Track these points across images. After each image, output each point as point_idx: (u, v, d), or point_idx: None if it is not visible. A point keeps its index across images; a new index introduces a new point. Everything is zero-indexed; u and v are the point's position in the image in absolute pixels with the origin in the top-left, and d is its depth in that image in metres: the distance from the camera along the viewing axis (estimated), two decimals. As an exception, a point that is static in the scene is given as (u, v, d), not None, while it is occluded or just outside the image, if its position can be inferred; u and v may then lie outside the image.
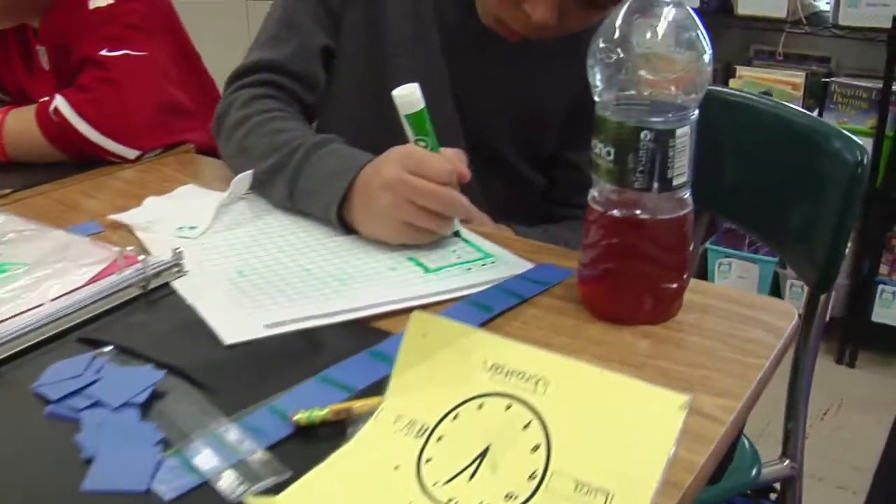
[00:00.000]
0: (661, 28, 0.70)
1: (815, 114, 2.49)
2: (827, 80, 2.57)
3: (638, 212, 0.71)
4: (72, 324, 0.76)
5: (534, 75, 1.14)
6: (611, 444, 0.51)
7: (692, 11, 0.71)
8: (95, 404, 0.63)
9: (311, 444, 0.59)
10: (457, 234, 0.92)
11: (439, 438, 0.55)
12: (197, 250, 0.90)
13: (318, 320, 0.75)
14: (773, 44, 2.72)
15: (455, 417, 0.56)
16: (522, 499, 0.51)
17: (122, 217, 0.99)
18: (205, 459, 0.57)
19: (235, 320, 0.75)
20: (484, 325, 0.74)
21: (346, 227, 0.93)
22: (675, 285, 0.75)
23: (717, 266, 2.76)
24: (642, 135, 0.69)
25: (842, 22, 2.44)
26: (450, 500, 0.52)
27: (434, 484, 0.53)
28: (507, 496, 0.51)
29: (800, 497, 1.27)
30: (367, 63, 1.14)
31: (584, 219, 0.76)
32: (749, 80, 2.64)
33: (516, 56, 1.09)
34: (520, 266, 0.85)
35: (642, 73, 0.70)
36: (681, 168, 0.70)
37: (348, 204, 0.92)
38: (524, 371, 0.55)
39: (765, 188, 1.21)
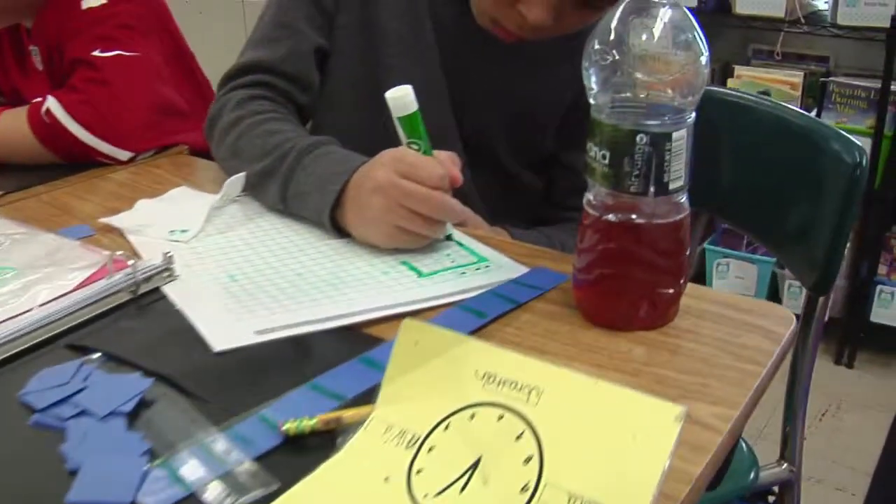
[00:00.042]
0: (658, 29, 0.69)
1: (813, 113, 2.49)
2: (825, 79, 2.56)
3: (634, 216, 0.70)
4: (60, 330, 0.75)
5: (530, 76, 1.13)
6: (605, 455, 0.50)
7: (689, 12, 0.70)
8: (82, 413, 0.62)
9: (300, 454, 0.58)
10: (449, 237, 0.91)
11: (430, 449, 0.54)
12: (188, 254, 0.89)
13: (309, 326, 0.73)
14: (771, 43, 2.71)
15: (446, 427, 0.55)
16: (515, 511, 0.50)
17: (114, 220, 0.98)
18: (191, 470, 0.56)
19: (225, 326, 0.74)
20: (478, 330, 0.73)
21: (339, 230, 0.92)
22: (671, 291, 0.74)
23: (715, 266, 2.75)
24: (638, 138, 0.68)
25: (840, 21, 2.43)
26: (441, 513, 0.51)
27: (425, 496, 0.52)
28: (499, 509, 0.50)
29: (798, 500, 1.26)
30: (361, 64, 1.12)
31: (579, 222, 0.75)
32: (747, 79, 2.63)
33: (512, 56, 1.08)
34: (514, 270, 0.84)
35: (638, 75, 0.69)
36: (677, 172, 0.69)
37: (341, 207, 0.91)
38: (517, 380, 0.54)
39: (763, 190, 1.20)
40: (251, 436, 0.59)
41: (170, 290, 0.82)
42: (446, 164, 0.88)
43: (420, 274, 0.83)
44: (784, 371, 1.13)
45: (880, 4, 2.35)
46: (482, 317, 0.74)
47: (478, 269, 0.85)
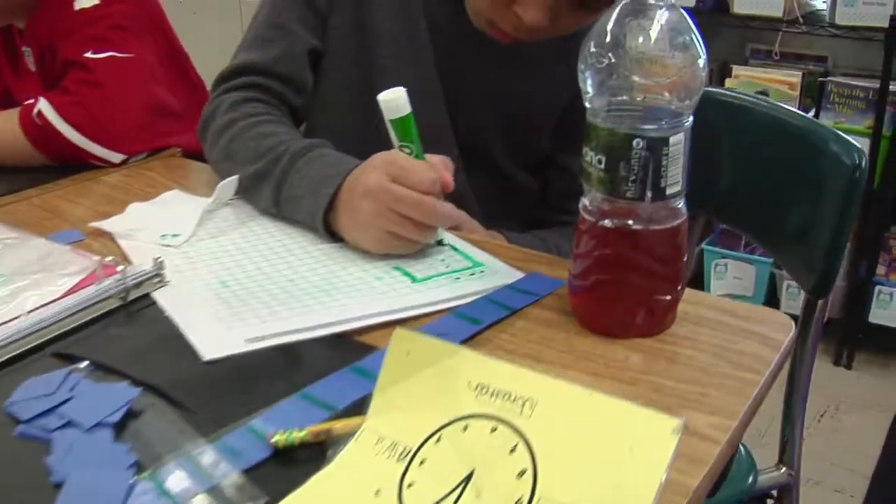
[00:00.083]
0: (655, 31, 0.68)
1: (811, 113, 2.49)
2: (824, 79, 2.55)
3: (630, 222, 0.69)
4: (47, 338, 0.74)
5: (525, 77, 1.12)
6: (600, 469, 0.49)
7: (686, 14, 0.69)
8: (68, 424, 0.61)
9: (290, 466, 0.57)
10: (440, 242, 0.90)
11: (422, 462, 0.53)
12: (179, 259, 0.88)
13: (301, 334, 0.72)
14: (769, 43, 2.70)
15: (438, 440, 0.54)
16: (508, 526, 0.49)
17: (105, 224, 0.97)
18: (178, 483, 0.55)
19: (215, 334, 0.72)
20: (472, 338, 0.72)
21: (332, 234, 0.91)
22: (668, 297, 0.72)
23: (713, 267, 2.74)
24: (634, 142, 0.67)
25: (838, 21, 2.42)
26: (432, 528, 0.50)
27: (416, 510, 0.51)
28: (492, 523, 0.49)
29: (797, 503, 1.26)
30: (355, 65, 1.11)
31: (575, 225, 0.74)
32: (745, 79, 2.62)
33: (508, 58, 1.07)
34: (509, 275, 0.83)
35: (635, 77, 0.68)
36: (674, 177, 0.68)
37: (334, 211, 0.89)
38: (510, 392, 0.53)
39: (761, 192, 1.19)
40: (240, 448, 0.58)
41: (160, 296, 0.81)
42: (438, 168, 0.86)
43: (414, 279, 0.82)
44: (783, 373, 1.12)
45: (879, 4, 2.34)
46: (477, 323, 0.73)
47: (472, 274, 0.84)
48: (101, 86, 1.23)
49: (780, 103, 1.21)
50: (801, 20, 2.50)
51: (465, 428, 0.53)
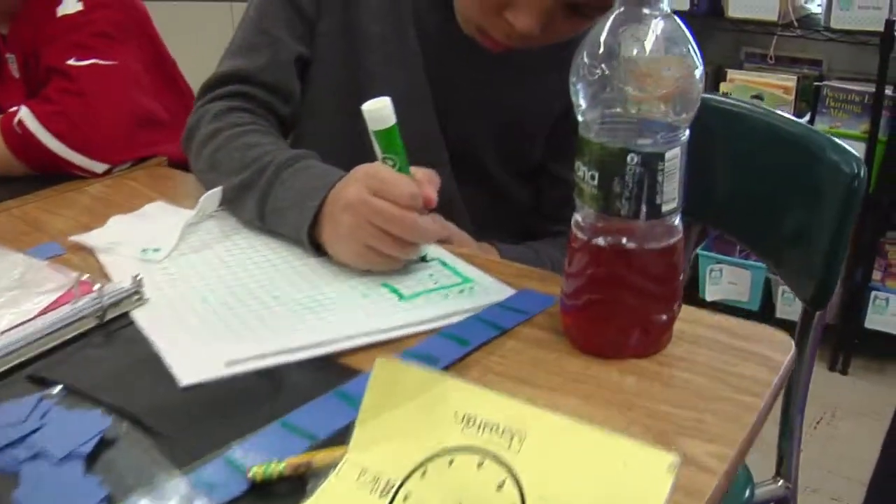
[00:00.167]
0: (650, 42, 0.65)
1: (807, 118, 2.47)
2: (819, 83, 2.53)
3: (624, 240, 0.66)
4: (21, 360, 0.71)
5: (517, 84, 1.09)
6: (592, 507, 0.46)
7: (682, 24, 0.66)
8: (37, 455, 0.58)
9: (268, 500, 0.55)
10: (424, 258, 0.87)
11: (406, 497, 0.51)
12: (160, 275, 0.86)
13: (282, 357, 0.70)
14: (764, 47, 2.69)
15: (423, 474, 0.51)
16: (496, 568, 0.46)
17: (84, 238, 0.94)
18: (150, 520, 0.52)
19: (194, 357, 0.70)
20: (461, 359, 0.70)
21: (318, 248, 0.88)
22: (664, 317, 0.70)
23: (708, 272, 2.72)
24: (629, 158, 0.64)
25: (834, 25, 2.40)
26: (417, 569, 0.47)
27: (400, 549, 0.49)
28: (479, 565, 0.46)
29: (794, 516, 1.23)
30: (343, 70, 1.09)
31: (567, 245, 0.72)
32: (740, 83, 2.60)
33: (499, 65, 1.04)
34: (500, 292, 0.81)
35: (629, 89, 0.65)
36: (670, 193, 0.65)
37: (319, 224, 0.87)
38: (498, 424, 0.50)
39: (758, 201, 1.17)
40: (216, 480, 0.55)
41: (139, 315, 0.78)
42: (422, 182, 0.83)
43: (401, 297, 0.80)
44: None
45: (874, 8, 2.32)
46: (465, 345, 0.71)
47: (461, 290, 0.81)
48: (84, 94, 1.21)
49: (776, 110, 1.19)
50: (795, 24, 2.48)
51: (451, 462, 0.51)
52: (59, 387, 0.67)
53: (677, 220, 0.68)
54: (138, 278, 0.80)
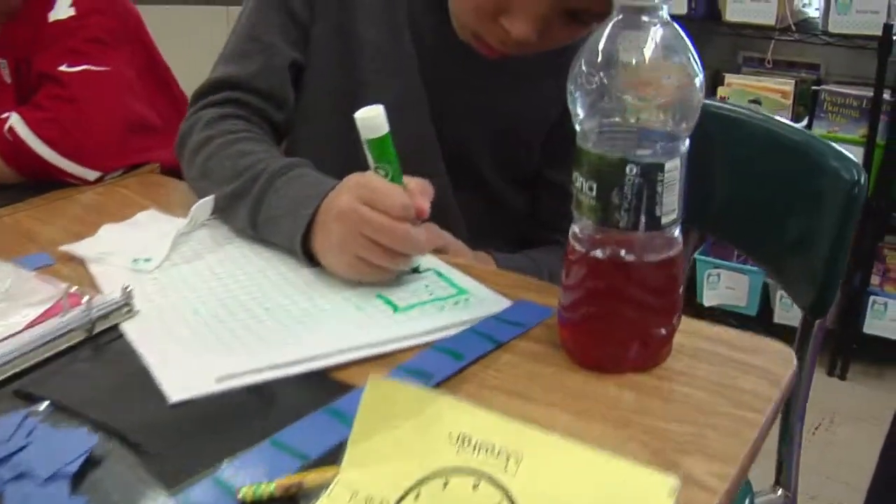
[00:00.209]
0: (649, 50, 0.64)
1: (805, 122, 2.46)
2: (817, 87, 2.52)
3: (623, 253, 0.65)
4: (8, 374, 0.70)
5: (513, 90, 1.08)
6: (591, 532, 0.45)
7: (682, 31, 0.65)
8: (22, 476, 0.57)
9: (258, 523, 0.53)
10: (416, 270, 0.86)
11: (400, 520, 0.49)
12: (151, 286, 0.84)
13: (274, 372, 0.68)
14: (761, 51, 2.68)
15: (417, 496, 0.50)
16: None
17: (75, 248, 0.93)
18: (136, 543, 0.51)
19: (184, 372, 0.68)
20: (455, 374, 0.68)
21: (311, 258, 0.87)
22: (663, 330, 0.68)
23: (705, 277, 2.71)
24: (628, 169, 0.63)
25: (831, 29, 2.39)
26: None
27: (393, 574, 0.47)
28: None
29: (794, 524, 1.22)
30: (337, 77, 1.07)
31: (564, 256, 0.70)
32: (738, 87, 2.59)
33: (495, 70, 1.03)
34: (496, 303, 0.79)
35: (628, 98, 0.64)
36: (670, 205, 0.64)
37: (312, 233, 0.85)
38: (494, 444, 0.49)
39: (756, 207, 1.16)
40: (204, 501, 0.54)
41: (128, 327, 0.76)
42: (414, 193, 0.82)
43: (396, 309, 0.78)
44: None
45: (872, 12, 2.31)
46: (460, 359, 0.69)
47: (457, 302, 0.80)
48: (76, 100, 1.20)
49: (774, 115, 1.18)
50: (793, 28, 2.47)
51: (446, 483, 0.49)
52: (46, 403, 0.65)
53: (677, 232, 0.67)
54: (128, 290, 0.78)
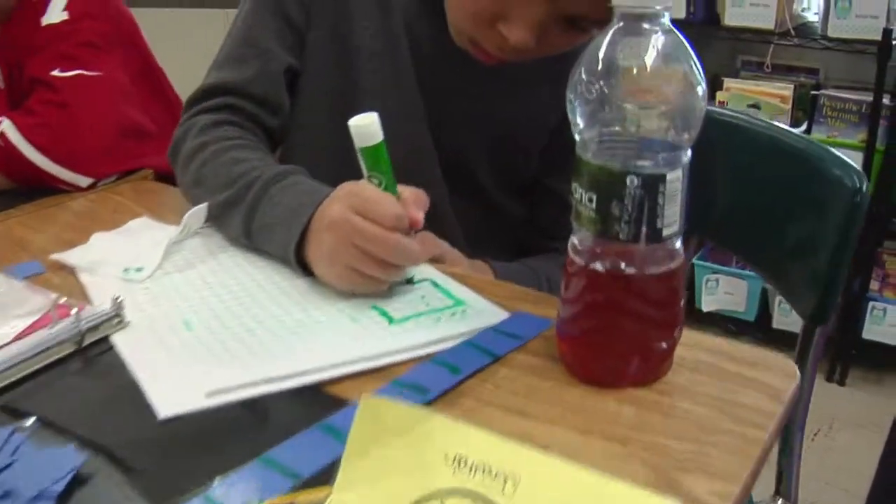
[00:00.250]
0: (650, 57, 0.63)
1: (804, 127, 2.45)
2: (816, 92, 2.51)
3: (623, 265, 0.64)
4: (-5, 388, 0.68)
5: (510, 97, 1.07)
6: (591, 558, 0.44)
7: (684, 39, 0.63)
8: (6, 495, 0.55)
9: (249, 545, 0.52)
10: (410, 281, 0.84)
11: (394, 543, 0.48)
12: (142, 296, 0.83)
13: (266, 386, 0.66)
14: (760, 55, 2.67)
15: (412, 519, 0.48)
16: None
17: (65, 256, 0.91)
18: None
19: (174, 386, 0.67)
20: (452, 389, 0.67)
21: (305, 268, 0.85)
22: (664, 344, 0.67)
23: (704, 282, 2.70)
24: (628, 180, 0.61)
25: (831, 33, 2.38)
26: None
27: None
28: None
29: (794, 535, 1.21)
30: (333, 84, 1.06)
31: (563, 267, 0.69)
32: (736, 92, 2.58)
33: (492, 77, 1.02)
34: (493, 315, 0.78)
35: (629, 107, 0.62)
36: (672, 217, 0.63)
37: (306, 242, 0.84)
38: (491, 466, 0.48)
39: (757, 215, 1.15)
40: (194, 522, 0.53)
41: (118, 339, 0.75)
42: (408, 203, 0.80)
43: (391, 321, 0.77)
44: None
45: (871, 17, 2.31)
46: (457, 373, 0.68)
47: (453, 313, 0.78)
48: (68, 106, 1.18)
49: (773, 119, 1.17)
50: (792, 32, 2.47)
51: (442, 506, 0.48)
52: (33, 418, 0.64)
53: (678, 244, 0.65)
54: (118, 301, 0.77)
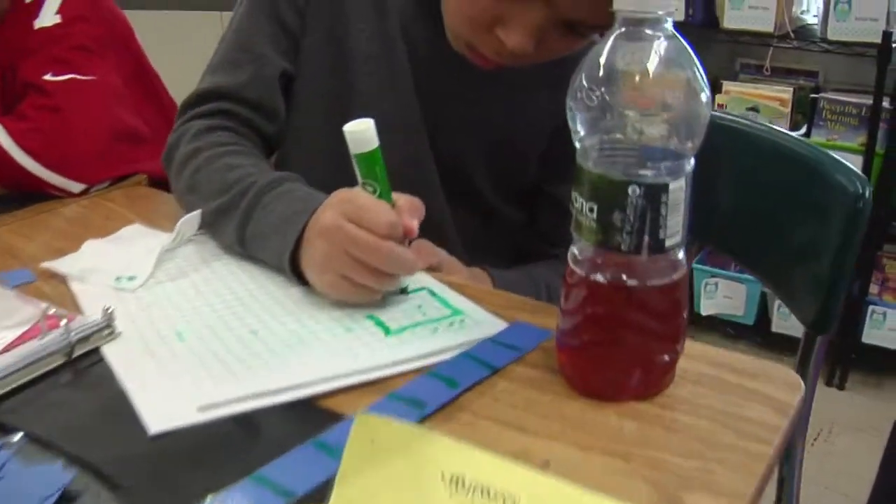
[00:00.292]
0: (652, 63, 0.61)
1: (803, 130, 2.44)
2: (815, 95, 2.50)
3: (625, 276, 0.62)
4: (-18, 402, 0.67)
5: (508, 102, 1.05)
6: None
7: (687, 45, 0.62)
8: (-10, 514, 0.54)
9: (240, 567, 0.50)
10: (404, 290, 0.83)
11: (390, 567, 0.46)
12: (134, 305, 0.81)
13: (259, 400, 0.65)
14: (760, 58, 2.66)
15: (408, 542, 0.47)
16: None
17: (57, 265, 0.89)
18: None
19: (165, 400, 0.65)
20: (449, 403, 0.65)
21: (300, 276, 0.84)
22: (666, 357, 0.66)
23: (703, 286, 2.68)
24: (630, 190, 0.60)
25: (830, 36, 2.37)
26: None
27: None
28: None
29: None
30: (329, 89, 1.05)
31: (563, 277, 0.67)
32: (735, 95, 2.57)
33: (490, 81, 1.00)
34: (492, 325, 0.76)
35: (630, 114, 0.61)
36: (674, 227, 0.61)
37: (300, 250, 0.82)
38: (489, 487, 0.46)
39: (759, 219, 1.13)
40: (184, 543, 0.51)
41: (109, 350, 0.73)
42: (402, 210, 0.79)
43: (388, 331, 0.75)
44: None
45: (871, 19, 2.29)
46: (454, 386, 0.66)
47: (451, 324, 0.77)
48: (61, 110, 1.17)
49: (773, 123, 1.16)
50: (792, 35, 2.45)
51: (439, 528, 0.46)
52: (20, 434, 0.62)
53: (681, 255, 0.64)
54: (109, 311, 0.75)
